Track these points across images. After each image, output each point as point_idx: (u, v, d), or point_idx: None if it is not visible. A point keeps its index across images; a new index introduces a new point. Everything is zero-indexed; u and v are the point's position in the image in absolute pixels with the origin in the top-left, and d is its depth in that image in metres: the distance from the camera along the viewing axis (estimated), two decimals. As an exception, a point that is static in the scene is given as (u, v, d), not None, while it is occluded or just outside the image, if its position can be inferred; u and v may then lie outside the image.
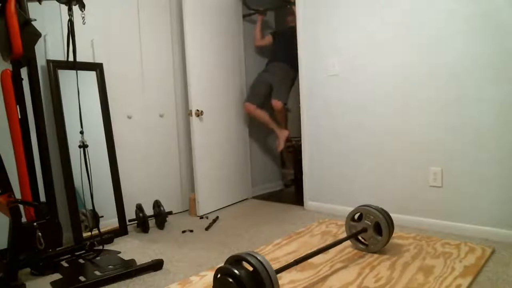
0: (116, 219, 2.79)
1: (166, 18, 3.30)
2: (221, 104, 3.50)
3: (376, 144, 2.84)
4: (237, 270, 1.44)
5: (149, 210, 3.02)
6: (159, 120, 3.27)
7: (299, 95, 3.31)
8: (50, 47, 2.59)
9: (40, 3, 2.20)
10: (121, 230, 2.79)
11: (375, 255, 2.14)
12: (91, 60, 2.78)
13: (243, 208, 3.52)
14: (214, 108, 3.40)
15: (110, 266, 2.17)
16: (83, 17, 2.22)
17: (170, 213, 3.09)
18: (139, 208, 2.91)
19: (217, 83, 3.44)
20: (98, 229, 2.40)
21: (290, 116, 4.17)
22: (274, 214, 3.24)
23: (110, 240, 2.62)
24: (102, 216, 2.63)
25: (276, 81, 3.63)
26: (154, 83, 3.22)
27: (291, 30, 3.60)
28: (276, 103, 3.57)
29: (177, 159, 3.42)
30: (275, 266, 1.79)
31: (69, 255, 2.35)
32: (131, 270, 2.08)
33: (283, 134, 3.71)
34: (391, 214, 2.17)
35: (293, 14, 3.63)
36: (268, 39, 3.89)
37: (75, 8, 2.19)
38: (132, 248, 2.54)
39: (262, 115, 3.68)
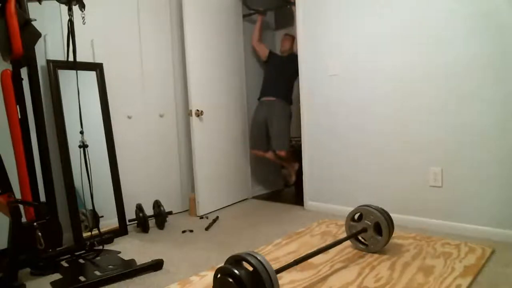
0: (116, 219, 2.79)
1: (166, 18, 3.30)
2: (221, 104, 3.50)
3: (376, 144, 2.84)
4: (237, 270, 1.44)
5: (149, 210, 3.02)
6: (159, 120, 3.27)
7: (299, 95, 3.31)
8: (50, 47, 2.59)
9: (40, 3, 2.20)
10: (121, 230, 2.79)
11: (375, 255, 2.14)
12: (91, 60, 2.78)
13: (243, 208, 3.52)
14: (214, 108, 3.40)
15: (110, 266, 2.17)
16: (83, 17, 2.22)
17: (170, 213, 3.09)
18: (139, 208, 2.91)
19: (217, 83, 3.44)
20: (98, 229, 2.40)
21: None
22: (274, 214, 3.24)
23: (110, 240, 2.62)
24: (102, 216, 2.63)
25: (274, 129, 3.60)
26: (154, 83, 3.22)
27: (287, 57, 3.67)
28: (281, 153, 3.62)
29: (177, 159, 3.42)
30: (275, 266, 1.79)
31: (69, 255, 2.35)
32: (131, 270, 2.08)
33: (294, 167, 3.80)
34: (391, 214, 2.17)
35: (288, 40, 3.75)
36: (264, 51, 3.85)
37: (75, 8, 2.19)
38: (132, 248, 2.54)
39: (272, 157, 3.76)
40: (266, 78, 3.82)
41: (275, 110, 3.63)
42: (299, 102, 3.31)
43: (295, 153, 3.79)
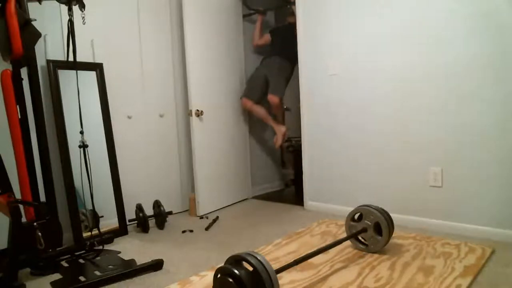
0: (116, 219, 2.79)
1: (166, 18, 3.30)
2: (221, 104, 3.50)
3: (376, 144, 2.84)
4: (237, 270, 1.44)
5: (149, 210, 3.02)
6: (159, 120, 3.27)
7: (299, 95, 3.31)
8: (50, 47, 2.59)
9: (40, 3, 2.20)
10: (121, 230, 2.79)
11: (375, 255, 2.14)
12: (91, 60, 2.78)
13: (243, 208, 3.52)
14: (214, 108, 3.40)
15: (110, 266, 2.17)
16: (83, 17, 2.22)
17: (170, 213, 3.09)
18: (139, 208, 2.91)
19: (217, 83, 3.44)
20: (98, 229, 2.40)
21: (290, 116, 4.18)
22: (274, 214, 3.24)
23: (110, 240, 2.62)
24: (102, 216, 2.62)
25: (272, 75, 3.60)
26: (154, 83, 3.22)
27: (290, 27, 3.59)
28: (273, 98, 3.55)
29: (177, 159, 3.42)
30: (275, 266, 1.79)
31: (69, 255, 2.35)
32: (131, 270, 2.08)
33: (280, 129, 3.69)
34: (391, 214, 2.17)
35: (293, 13, 3.61)
36: (266, 38, 3.88)
37: (75, 8, 2.19)
38: (132, 248, 2.54)
39: (260, 111, 3.67)
40: (272, 44, 3.80)
41: (277, 63, 3.63)
42: (299, 102, 3.31)
43: (295, 153, 3.78)
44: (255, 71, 3.82)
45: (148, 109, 3.18)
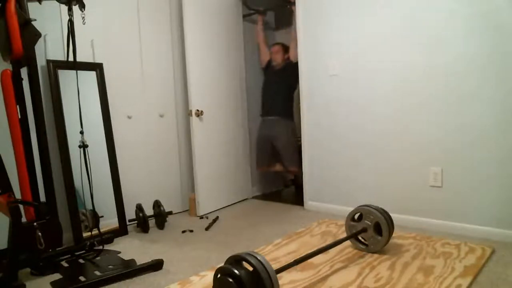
0: (116, 219, 2.79)
1: (166, 18, 3.30)
2: (221, 104, 3.50)
3: (376, 144, 2.84)
4: (237, 270, 1.44)
5: (149, 210, 3.02)
6: (159, 120, 3.27)
7: (299, 95, 3.31)
8: (50, 47, 2.59)
9: (40, 3, 2.20)
10: (121, 230, 2.79)
11: (375, 255, 2.14)
12: (91, 60, 2.78)
13: (243, 208, 3.52)
14: (214, 108, 3.40)
15: (110, 266, 2.17)
16: (83, 17, 2.22)
17: (170, 213, 3.09)
18: (139, 208, 2.91)
19: (217, 83, 3.44)
20: (98, 229, 2.40)
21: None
22: (274, 214, 3.24)
23: (110, 240, 2.62)
24: (102, 216, 2.62)
25: (282, 148, 3.64)
26: (154, 83, 3.22)
27: (282, 70, 3.62)
28: (294, 169, 3.66)
29: (177, 159, 3.42)
30: (275, 266, 1.79)
31: (69, 255, 2.35)
32: (131, 270, 2.08)
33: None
34: (391, 214, 2.17)
35: (278, 52, 3.63)
36: (265, 56, 3.79)
37: (75, 8, 2.19)
38: (132, 248, 2.54)
39: (277, 168, 3.78)
40: (265, 93, 3.77)
41: (279, 128, 3.64)
42: (299, 102, 3.31)
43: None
44: (259, 133, 3.80)
45: (148, 109, 3.18)
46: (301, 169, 3.40)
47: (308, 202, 3.32)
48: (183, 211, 3.43)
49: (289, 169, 3.68)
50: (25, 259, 2.07)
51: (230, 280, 1.43)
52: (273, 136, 3.67)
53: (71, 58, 2.16)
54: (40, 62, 2.43)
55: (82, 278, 2.02)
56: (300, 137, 3.49)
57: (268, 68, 3.80)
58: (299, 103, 3.33)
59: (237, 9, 3.71)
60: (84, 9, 2.23)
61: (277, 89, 3.65)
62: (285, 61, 3.64)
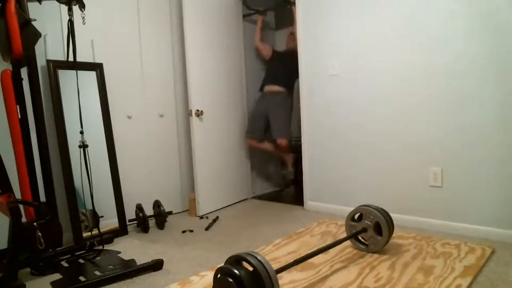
0: (116, 219, 2.79)
1: (166, 18, 3.30)
2: (221, 104, 3.50)
3: (376, 144, 2.84)
4: (237, 270, 1.44)
5: (149, 210, 3.02)
6: (159, 120, 3.27)
7: (299, 95, 3.31)
8: (50, 47, 2.59)
9: (40, 3, 2.20)
10: (121, 230, 2.79)
11: (375, 255, 2.14)
12: (91, 60, 2.78)
13: (243, 208, 3.52)
14: (214, 108, 3.40)
15: (110, 266, 2.17)
16: (83, 17, 2.22)
17: (170, 213, 3.09)
18: (139, 208, 2.91)
19: (217, 83, 3.44)
20: (98, 229, 2.40)
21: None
22: (274, 214, 3.24)
23: (110, 240, 2.62)
24: (102, 216, 2.62)
25: (274, 116, 3.58)
26: (154, 83, 3.22)
27: (291, 53, 3.55)
28: (282, 142, 3.58)
29: (177, 159, 3.42)
30: (275, 266, 1.79)
31: (69, 255, 2.35)
32: (131, 270, 2.08)
33: (290, 158, 3.74)
34: (391, 214, 2.17)
35: (293, 38, 3.57)
36: (268, 51, 3.84)
37: (75, 8, 2.19)
38: (132, 248, 2.54)
39: (266, 147, 3.71)
40: (270, 69, 3.79)
41: (276, 101, 3.61)
42: (299, 102, 3.31)
43: (295, 153, 3.79)
44: (256, 106, 3.79)
45: (148, 109, 3.18)
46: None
47: (308, 202, 3.32)
48: (183, 211, 3.43)
49: (277, 139, 3.57)
50: (25, 259, 2.07)
51: (230, 280, 1.43)
52: (269, 108, 3.62)
53: (71, 58, 2.16)
54: (40, 62, 2.43)
55: (82, 278, 2.02)
56: (297, 137, 3.50)
57: (274, 55, 3.81)
58: (298, 102, 3.33)
59: (237, 9, 3.71)
60: (84, 9, 2.22)
61: (284, 66, 3.62)
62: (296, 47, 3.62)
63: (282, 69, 3.66)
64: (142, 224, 2.86)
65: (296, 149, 3.76)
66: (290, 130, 3.63)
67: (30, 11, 2.05)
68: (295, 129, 3.63)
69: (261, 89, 3.77)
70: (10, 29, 1.91)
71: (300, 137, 3.38)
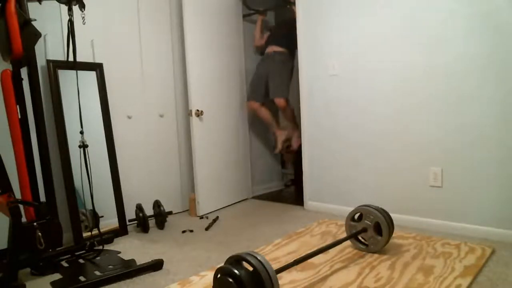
0: (116, 219, 2.79)
1: (166, 18, 3.30)
2: (221, 104, 3.50)
3: (376, 144, 2.84)
4: (237, 270, 1.44)
5: (149, 210, 3.02)
6: (159, 120, 3.27)
7: (299, 95, 3.31)
8: (50, 47, 2.59)
9: (40, 3, 2.20)
10: (121, 230, 2.79)
11: (375, 255, 2.14)
12: (91, 60, 2.78)
13: (243, 208, 3.52)
14: (214, 108, 3.40)
15: (110, 266, 2.17)
16: (83, 17, 2.22)
17: (170, 213, 3.09)
18: (139, 208, 2.91)
19: (217, 83, 3.44)
20: (98, 229, 2.40)
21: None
22: (274, 214, 3.24)
23: (110, 240, 2.62)
24: (102, 216, 2.62)
25: (272, 76, 3.54)
26: (154, 83, 3.22)
27: (291, 19, 3.48)
28: (279, 101, 3.52)
29: (177, 159, 3.42)
30: (275, 266, 1.79)
31: (69, 255, 2.35)
32: (131, 270, 2.08)
33: (281, 135, 3.69)
34: (391, 214, 2.17)
35: (292, 11, 3.54)
36: (267, 36, 3.87)
37: (75, 8, 2.19)
38: (132, 248, 2.54)
39: (265, 115, 3.66)
40: (272, 34, 3.77)
41: (277, 62, 3.57)
42: (299, 102, 3.31)
43: (295, 153, 3.78)
44: (256, 69, 3.81)
45: (148, 109, 3.18)
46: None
47: (308, 202, 3.32)
48: (183, 211, 3.43)
49: (275, 99, 3.51)
50: (25, 259, 2.07)
51: (230, 280, 1.43)
52: (270, 68, 3.58)
53: (71, 58, 2.16)
54: (40, 62, 2.43)
55: (82, 278, 2.02)
56: (300, 137, 3.50)
57: (274, 27, 3.87)
58: (298, 102, 3.33)
59: (237, 9, 3.71)
60: (84, 9, 2.22)
61: (286, 31, 3.60)
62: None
63: (284, 33, 3.63)
64: (142, 224, 2.86)
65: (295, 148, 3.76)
66: (287, 92, 3.55)
67: (30, 11, 2.05)
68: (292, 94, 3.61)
69: (262, 53, 3.76)
70: (10, 29, 1.91)
71: (300, 136, 3.38)
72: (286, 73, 3.61)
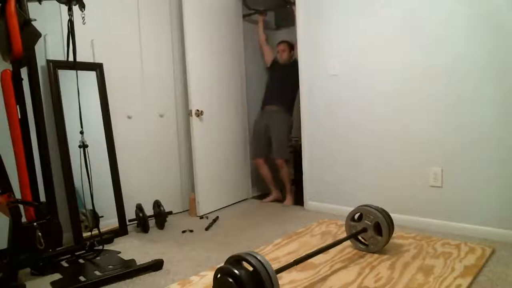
0: (116, 219, 2.79)
1: (166, 18, 3.30)
2: (221, 104, 3.50)
3: (376, 144, 2.84)
4: (237, 270, 1.44)
5: (149, 210, 3.01)
6: (159, 120, 3.27)
7: (299, 95, 3.31)
8: (50, 47, 2.59)
9: (40, 3, 2.20)
10: (121, 230, 2.79)
11: (375, 255, 2.14)
12: (91, 60, 2.78)
13: (243, 208, 3.52)
14: (214, 108, 3.40)
15: (110, 266, 2.17)
16: (83, 17, 2.22)
17: (170, 213, 3.09)
18: (139, 208, 2.91)
19: (217, 83, 3.44)
20: (98, 229, 2.40)
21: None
22: (274, 214, 3.24)
23: (110, 240, 2.62)
24: (102, 216, 2.62)
25: (274, 135, 3.58)
26: (154, 83, 3.22)
27: (290, 66, 3.54)
28: (279, 162, 3.58)
29: (177, 159, 3.42)
30: (275, 266, 1.78)
31: (69, 255, 2.35)
32: (131, 270, 2.08)
33: (274, 195, 3.69)
34: (391, 214, 2.17)
35: (285, 50, 3.62)
36: (269, 56, 3.84)
37: (75, 8, 2.19)
38: (132, 248, 2.54)
39: (267, 174, 3.70)
40: (269, 86, 3.79)
41: (276, 118, 3.60)
42: (299, 102, 3.31)
43: (295, 153, 3.78)
44: (256, 123, 3.80)
45: (148, 109, 3.18)
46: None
47: (308, 202, 3.32)
48: (183, 211, 3.43)
49: (275, 159, 3.60)
50: (25, 259, 2.07)
51: (230, 280, 1.43)
52: (269, 125, 3.61)
53: (71, 58, 2.16)
54: (40, 62, 2.43)
55: (82, 278, 2.02)
56: (297, 137, 3.50)
57: (273, 65, 3.80)
58: (299, 102, 3.33)
59: (237, 9, 3.71)
60: (84, 9, 2.22)
61: (282, 83, 3.64)
62: (291, 58, 3.65)
63: (282, 86, 3.63)
64: (142, 224, 2.86)
65: (296, 149, 3.76)
66: (287, 153, 3.67)
67: (30, 11, 2.05)
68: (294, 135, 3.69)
69: (262, 106, 3.77)
70: (10, 29, 1.91)
71: (300, 137, 3.38)
72: (286, 131, 3.64)
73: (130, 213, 2.91)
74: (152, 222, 2.98)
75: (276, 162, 3.63)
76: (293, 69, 3.39)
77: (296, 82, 3.36)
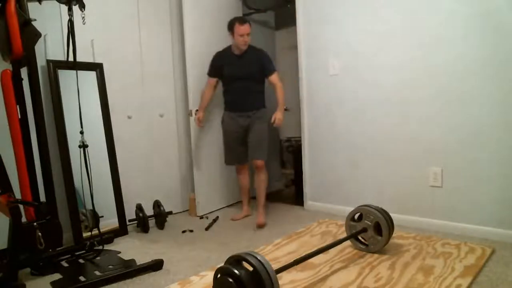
0: (116, 219, 2.79)
1: (166, 18, 3.30)
2: (221, 104, 3.49)
3: (376, 144, 2.84)
4: (237, 270, 1.44)
5: (149, 210, 3.02)
6: (159, 120, 3.27)
7: (299, 95, 3.31)
8: (50, 47, 2.59)
9: (40, 3, 2.20)
10: (121, 230, 2.79)
11: (375, 255, 2.14)
12: (91, 60, 2.78)
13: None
14: (214, 108, 3.39)
15: (110, 266, 2.17)
16: (83, 17, 2.22)
17: (170, 213, 3.09)
18: (139, 208, 2.91)
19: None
20: (98, 229, 2.40)
21: (290, 115, 4.15)
22: (274, 214, 3.24)
23: (110, 240, 2.62)
24: (102, 216, 2.62)
25: (255, 137, 2.98)
26: (154, 83, 3.22)
27: (246, 59, 2.95)
28: (258, 162, 2.99)
29: (177, 159, 3.42)
30: (275, 266, 1.78)
31: (69, 255, 2.35)
32: (131, 270, 2.08)
33: (244, 212, 3.20)
34: (391, 214, 2.17)
35: (248, 32, 2.87)
36: (213, 80, 3.11)
37: (75, 8, 2.19)
38: (132, 248, 2.54)
39: (246, 185, 3.22)
40: (230, 90, 3.06)
41: (253, 117, 3.00)
42: (299, 102, 3.31)
43: (295, 153, 3.77)
44: (226, 126, 3.11)
45: (148, 109, 3.18)
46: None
47: (308, 202, 3.32)
48: (183, 211, 3.43)
49: (254, 160, 2.99)
50: (25, 259, 2.07)
51: (230, 280, 1.43)
52: (245, 124, 3.02)
53: (71, 58, 2.16)
54: (40, 62, 2.43)
55: (82, 278, 2.02)
56: (297, 137, 3.49)
57: (228, 72, 3.04)
58: (299, 102, 3.32)
59: (237, 9, 3.70)
60: (84, 9, 2.22)
61: (244, 87, 2.99)
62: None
63: (244, 90, 3.00)
64: (142, 224, 2.86)
65: (296, 149, 3.76)
66: (266, 155, 3.02)
67: (30, 11, 2.05)
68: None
69: (229, 111, 3.10)
70: (10, 29, 1.91)
71: (300, 137, 3.38)
72: (266, 126, 3.00)
73: (130, 213, 2.91)
74: (152, 222, 2.98)
75: (254, 164, 3.03)
76: (250, 60, 2.91)
77: (258, 71, 2.91)
